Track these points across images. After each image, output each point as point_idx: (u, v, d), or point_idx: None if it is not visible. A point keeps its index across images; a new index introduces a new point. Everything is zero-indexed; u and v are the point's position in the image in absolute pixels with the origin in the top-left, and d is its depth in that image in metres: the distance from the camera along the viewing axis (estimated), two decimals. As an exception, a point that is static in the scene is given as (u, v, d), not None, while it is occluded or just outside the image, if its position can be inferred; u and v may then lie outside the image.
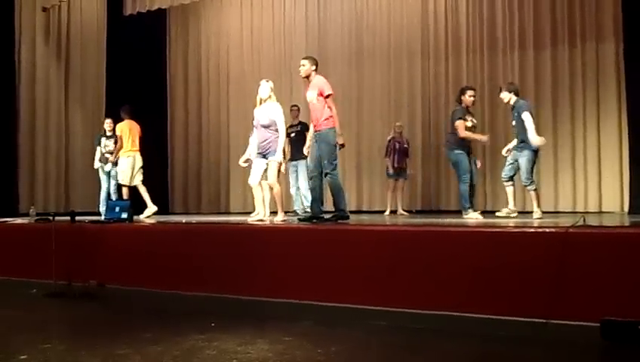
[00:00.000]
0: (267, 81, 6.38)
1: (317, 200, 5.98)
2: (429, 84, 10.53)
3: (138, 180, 8.51)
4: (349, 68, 11.07)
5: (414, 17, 10.60)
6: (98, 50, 11.50)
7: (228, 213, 11.56)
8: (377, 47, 10.90)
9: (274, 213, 7.06)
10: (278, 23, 11.78)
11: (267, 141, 6.28)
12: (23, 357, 3.46)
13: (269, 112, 6.27)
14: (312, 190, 6.03)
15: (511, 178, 6.85)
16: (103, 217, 7.51)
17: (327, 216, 5.99)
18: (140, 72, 11.53)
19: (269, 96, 6.34)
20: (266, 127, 6.25)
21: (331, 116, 5.81)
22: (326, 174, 5.81)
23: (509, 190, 6.93)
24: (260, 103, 6.35)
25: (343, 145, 5.92)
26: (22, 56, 10.37)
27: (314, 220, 5.83)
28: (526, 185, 6.66)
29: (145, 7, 10.90)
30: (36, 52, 10.62)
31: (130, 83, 11.20)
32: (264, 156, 6.33)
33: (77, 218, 6.56)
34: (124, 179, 8.50)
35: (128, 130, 8.56)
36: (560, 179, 9.39)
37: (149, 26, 11.69)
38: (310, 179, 6.08)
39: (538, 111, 9.57)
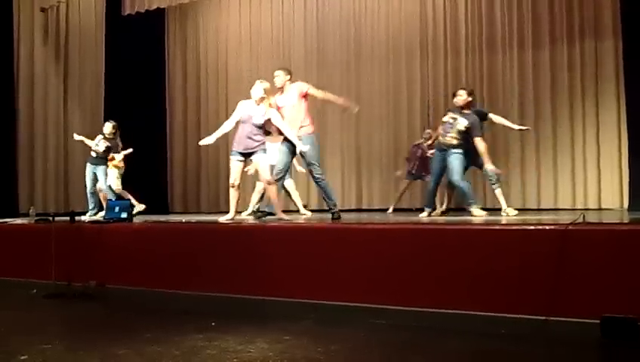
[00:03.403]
0: (261, 82, 6.14)
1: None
2: (428, 83, 10.51)
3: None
4: (348, 67, 11.05)
5: (413, 17, 10.57)
6: (97, 50, 11.48)
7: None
8: (376, 46, 10.87)
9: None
10: (276, 23, 11.75)
11: (259, 141, 6.11)
12: (22, 357, 3.46)
13: (265, 115, 6.06)
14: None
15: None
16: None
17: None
18: (139, 71, 11.51)
19: (263, 98, 6.08)
20: (259, 127, 6.10)
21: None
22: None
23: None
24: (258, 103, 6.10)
25: None
26: (20, 56, 10.35)
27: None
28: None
29: (144, 6, 10.87)
30: (35, 52, 10.59)
31: (129, 82, 11.20)
32: (249, 155, 6.17)
33: (76, 218, 6.57)
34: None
35: None
36: (559, 177, 9.38)
37: (147, 25, 11.66)
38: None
39: (538, 109, 9.59)
